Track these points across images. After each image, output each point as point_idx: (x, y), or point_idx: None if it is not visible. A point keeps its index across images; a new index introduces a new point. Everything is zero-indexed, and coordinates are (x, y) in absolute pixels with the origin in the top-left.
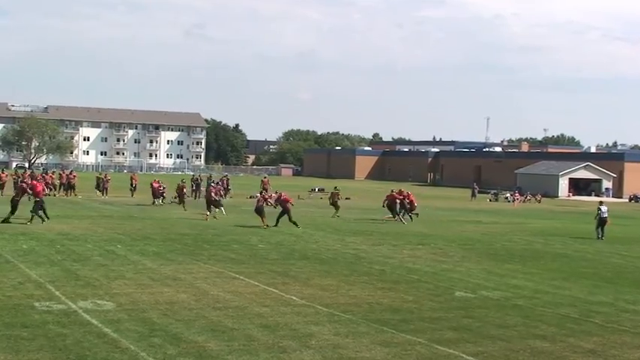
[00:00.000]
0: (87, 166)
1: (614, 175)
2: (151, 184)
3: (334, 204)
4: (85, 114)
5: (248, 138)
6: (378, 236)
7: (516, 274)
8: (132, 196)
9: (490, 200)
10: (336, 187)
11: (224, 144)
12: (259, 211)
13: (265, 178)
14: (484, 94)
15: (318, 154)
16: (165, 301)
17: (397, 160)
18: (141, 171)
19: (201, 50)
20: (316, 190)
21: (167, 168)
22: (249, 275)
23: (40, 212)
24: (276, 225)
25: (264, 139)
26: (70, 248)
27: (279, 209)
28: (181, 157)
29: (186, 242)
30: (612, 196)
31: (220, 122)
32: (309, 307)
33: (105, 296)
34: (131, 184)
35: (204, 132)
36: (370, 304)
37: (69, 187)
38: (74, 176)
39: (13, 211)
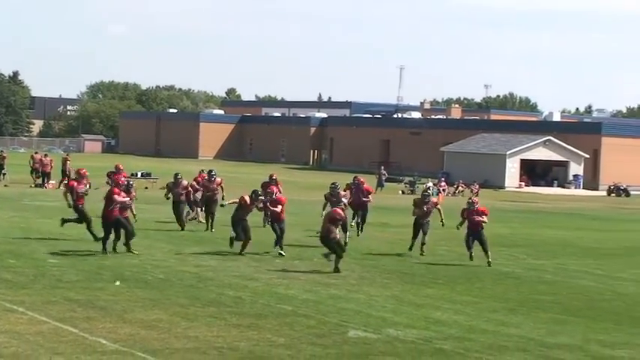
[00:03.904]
0: None
1: (587, 156)
2: None
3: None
4: None
5: (33, 94)
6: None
7: (441, 303)
8: None
9: (403, 192)
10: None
11: None
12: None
13: (68, 155)
14: (396, 30)
15: (142, 120)
16: None
17: (263, 131)
18: None
19: None
20: (138, 175)
21: None
22: (33, 306)
23: None
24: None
25: (57, 96)
26: None
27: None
28: None
29: None
30: (583, 187)
31: None
32: (127, 356)
33: None
34: None
35: None
36: (220, 350)
37: None
38: None
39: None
